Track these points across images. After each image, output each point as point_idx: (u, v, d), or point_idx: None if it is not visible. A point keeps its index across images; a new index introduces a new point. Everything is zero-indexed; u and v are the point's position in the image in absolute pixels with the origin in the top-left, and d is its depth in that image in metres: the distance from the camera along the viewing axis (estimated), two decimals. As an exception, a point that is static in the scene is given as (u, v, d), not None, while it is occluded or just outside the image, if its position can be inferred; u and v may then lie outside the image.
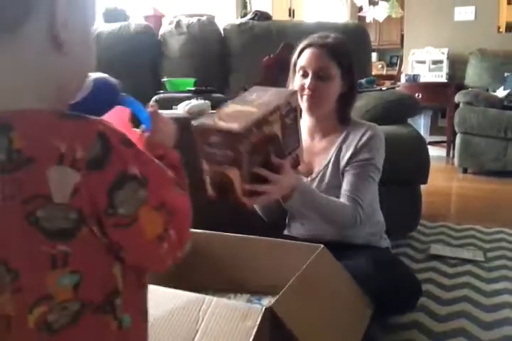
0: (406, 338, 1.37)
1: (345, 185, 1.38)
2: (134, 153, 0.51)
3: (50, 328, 0.49)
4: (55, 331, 0.49)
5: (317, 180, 1.44)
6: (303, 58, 1.42)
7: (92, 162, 0.47)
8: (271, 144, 1.11)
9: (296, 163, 1.23)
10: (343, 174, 1.41)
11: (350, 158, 1.40)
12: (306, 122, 1.49)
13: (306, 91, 1.40)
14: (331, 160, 1.43)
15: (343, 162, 1.41)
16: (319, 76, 1.39)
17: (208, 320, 0.90)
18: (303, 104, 1.42)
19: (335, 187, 1.40)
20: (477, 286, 1.68)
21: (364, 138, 1.40)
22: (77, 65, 0.55)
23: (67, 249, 0.48)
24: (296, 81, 1.44)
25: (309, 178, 1.45)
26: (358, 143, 1.40)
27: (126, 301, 0.53)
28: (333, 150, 1.44)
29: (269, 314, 0.89)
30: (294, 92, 1.20)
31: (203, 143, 1.08)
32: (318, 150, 1.48)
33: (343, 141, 1.44)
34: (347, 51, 1.45)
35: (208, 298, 0.94)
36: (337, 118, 1.48)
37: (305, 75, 1.42)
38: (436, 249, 2.04)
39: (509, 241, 2.15)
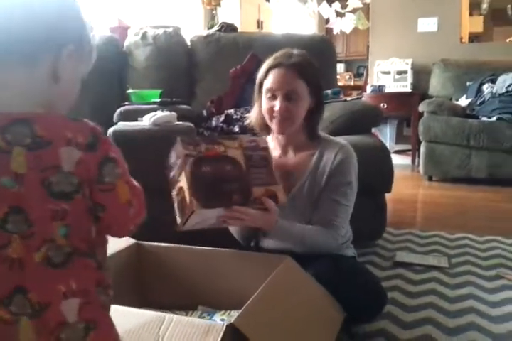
0: (372, 346, 1.38)
1: (326, 211, 1.40)
2: (110, 143, 0.74)
3: (52, 263, 0.68)
4: (56, 266, 0.69)
5: (295, 198, 1.43)
6: (270, 80, 1.40)
7: (88, 146, 0.69)
8: (228, 164, 1.21)
9: (272, 198, 1.25)
10: (319, 195, 1.42)
11: (327, 180, 1.41)
12: (277, 139, 1.49)
13: (276, 114, 1.39)
14: (308, 180, 1.44)
15: (321, 183, 1.42)
16: (289, 98, 1.38)
17: (168, 338, 0.89)
18: (273, 125, 1.42)
19: (311, 205, 1.43)
20: (442, 292, 1.71)
21: (337, 161, 1.41)
22: (65, 91, 0.78)
23: (67, 208, 0.68)
24: (264, 103, 1.42)
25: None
26: (331, 165, 1.41)
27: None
28: (308, 170, 1.44)
29: (231, 330, 0.88)
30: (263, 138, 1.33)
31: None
32: (293, 166, 1.47)
33: (319, 161, 1.44)
34: (313, 68, 1.44)
35: (168, 316, 0.93)
36: (306, 135, 1.49)
37: (273, 97, 1.40)
38: (402, 256, 2.07)
39: (473, 247, 2.20)
